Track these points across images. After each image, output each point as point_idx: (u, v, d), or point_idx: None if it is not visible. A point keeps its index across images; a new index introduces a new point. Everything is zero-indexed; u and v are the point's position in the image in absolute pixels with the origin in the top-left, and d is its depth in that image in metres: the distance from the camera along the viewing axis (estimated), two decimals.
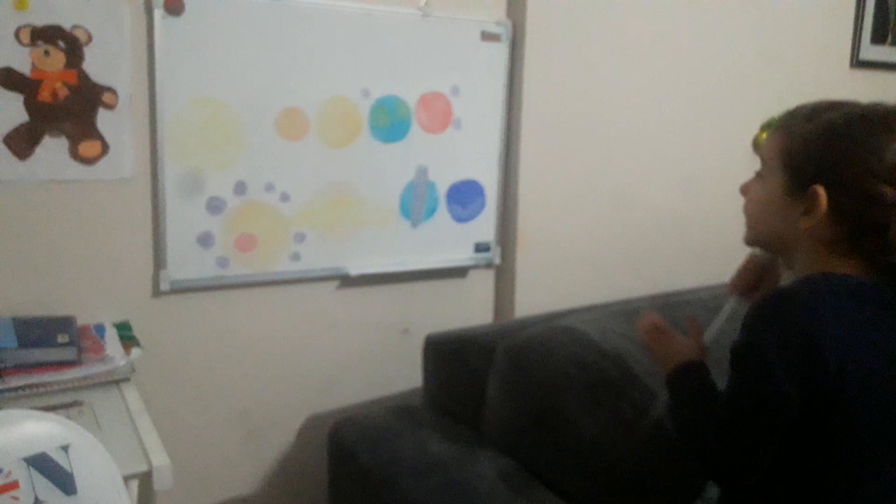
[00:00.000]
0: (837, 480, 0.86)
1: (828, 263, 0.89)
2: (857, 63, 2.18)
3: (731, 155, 2.01)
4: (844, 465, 0.86)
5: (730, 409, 0.86)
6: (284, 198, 1.47)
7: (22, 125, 1.25)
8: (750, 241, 1.01)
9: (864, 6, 2.16)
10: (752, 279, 1.07)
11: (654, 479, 1.23)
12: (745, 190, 1.00)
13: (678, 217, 1.92)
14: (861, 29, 2.17)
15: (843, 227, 0.88)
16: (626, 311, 1.47)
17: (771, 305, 0.87)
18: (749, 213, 0.99)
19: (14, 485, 0.81)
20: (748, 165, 2.15)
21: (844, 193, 0.87)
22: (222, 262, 1.44)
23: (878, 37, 2.20)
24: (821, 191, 0.87)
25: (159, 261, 1.39)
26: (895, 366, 0.86)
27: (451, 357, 1.44)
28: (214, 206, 1.41)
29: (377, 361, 1.66)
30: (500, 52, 1.62)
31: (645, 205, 1.86)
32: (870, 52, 2.19)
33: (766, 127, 2.12)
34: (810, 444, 0.86)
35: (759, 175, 0.98)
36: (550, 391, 1.23)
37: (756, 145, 2.16)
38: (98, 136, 1.31)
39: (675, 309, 1.50)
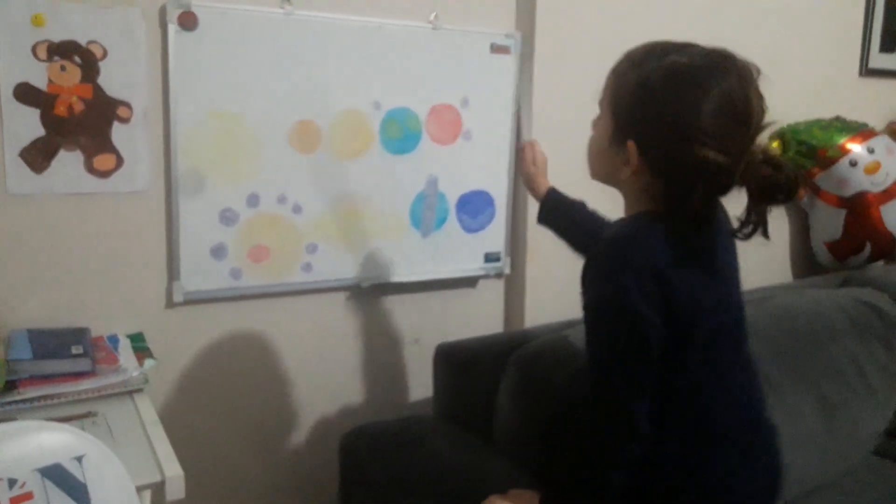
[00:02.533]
0: (707, 377, 0.93)
1: (645, 204, 0.93)
2: (867, 71, 2.18)
3: None
4: (711, 363, 0.93)
5: (611, 359, 0.90)
6: (297, 209, 1.48)
7: (38, 139, 1.27)
8: (592, 177, 1.03)
9: (873, 15, 2.16)
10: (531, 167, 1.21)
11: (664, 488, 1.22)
12: (593, 125, 1.00)
13: None
14: (870, 37, 2.17)
15: (658, 181, 0.90)
16: None
17: (616, 254, 0.91)
18: (588, 150, 1.00)
19: (29, 495, 0.81)
20: None
21: (655, 150, 0.88)
22: (235, 274, 1.45)
23: (888, 45, 2.20)
24: (632, 146, 0.88)
25: (173, 272, 1.40)
26: (718, 286, 0.94)
27: (461, 367, 1.44)
28: (228, 217, 1.42)
29: (388, 371, 1.67)
30: (510, 63, 1.63)
31: None
32: (879, 60, 2.19)
33: (776, 137, 2.13)
34: (678, 358, 0.91)
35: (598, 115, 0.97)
36: (561, 401, 1.23)
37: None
38: (113, 149, 1.33)
39: None
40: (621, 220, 0.99)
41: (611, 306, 0.90)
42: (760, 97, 0.88)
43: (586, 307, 0.93)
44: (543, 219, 1.29)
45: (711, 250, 0.95)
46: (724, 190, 0.89)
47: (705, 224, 0.92)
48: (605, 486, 0.94)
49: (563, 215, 1.28)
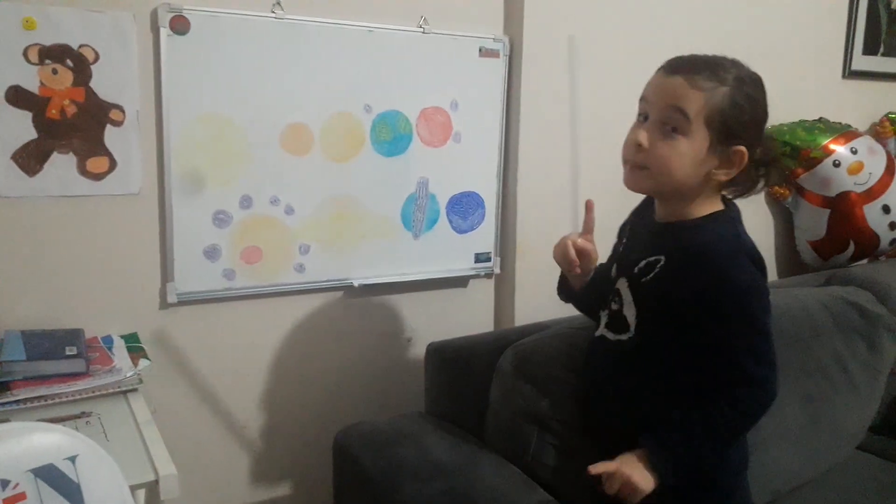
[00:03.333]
0: None
1: (714, 200, 1.07)
2: (850, 73, 2.21)
3: None
4: None
5: (760, 340, 1.02)
6: (289, 211, 1.49)
7: (31, 142, 1.27)
8: (644, 189, 1.11)
9: (856, 17, 2.19)
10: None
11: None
12: (641, 142, 1.04)
13: None
14: (853, 40, 2.20)
15: (749, 174, 1.05)
16: None
17: (740, 253, 1.03)
18: (658, 165, 1.03)
19: (21, 496, 0.81)
20: None
21: (759, 148, 1.04)
22: (229, 275, 1.46)
23: (870, 48, 2.24)
24: (744, 150, 1.01)
25: (166, 273, 1.41)
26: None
27: (453, 365, 1.46)
28: (221, 219, 1.43)
29: (380, 369, 1.68)
30: (498, 67, 1.65)
31: None
32: (862, 62, 2.23)
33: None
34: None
35: (673, 131, 1.01)
36: (553, 399, 1.25)
37: None
38: (106, 152, 1.33)
39: None
40: (700, 222, 1.07)
41: (753, 291, 1.01)
42: None
43: (718, 299, 1.00)
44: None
45: None
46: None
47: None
48: (726, 458, 1.07)
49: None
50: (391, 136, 1.57)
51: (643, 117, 1.05)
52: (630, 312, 1.09)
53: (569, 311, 1.66)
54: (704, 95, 0.99)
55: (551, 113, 1.71)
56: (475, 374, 1.41)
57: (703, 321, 1.00)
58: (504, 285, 1.78)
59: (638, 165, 1.05)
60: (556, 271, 1.81)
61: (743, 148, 1.01)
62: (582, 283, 1.24)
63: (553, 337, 1.37)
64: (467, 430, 1.39)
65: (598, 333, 1.17)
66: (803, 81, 2.11)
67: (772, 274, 2.19)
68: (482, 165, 1.69)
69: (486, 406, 1.37)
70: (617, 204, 1.87)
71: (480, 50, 1.63)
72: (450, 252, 1.69)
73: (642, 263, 1.08)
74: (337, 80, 1.49)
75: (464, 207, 1.69)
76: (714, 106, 0.99)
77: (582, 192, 1.79)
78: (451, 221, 1.68)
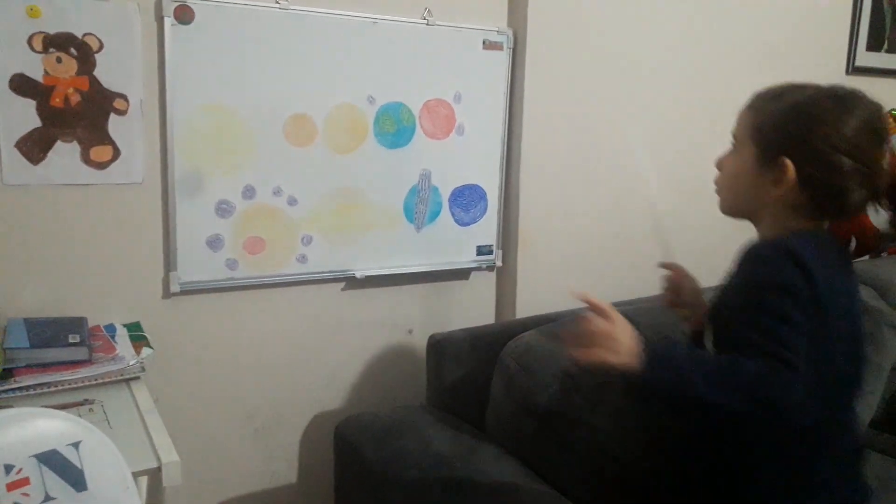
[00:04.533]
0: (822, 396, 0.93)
1: (792, 225, 1.00)
2: (854, 69, 2.21)
3: None
4: (824, 382, 0.94)
5: (780, 327, 0.90)
6: (292, 202, 1.50)
7: (35, 130, 1.27)
8: (724, 211, 1.10)
9: (860, 14, 2.18)
10: (674, 296, 1.18)
11: (657, 478, 1.25)
12: (719, 164, 1.08)
13: (676, 220, 1.94)
14: (857, 36, 2.20)
15: (806, 193, 0.98)
16: (626, 312, 1.49)
17: (780, 251, 0.95)
18: (722, 184, 1.07)
19: (25, 481, 0.82)
20: None
21: (809, 163, 0.97)
22: (231, 264, 1.46)
23: (874, 44, 2.23)
24: (788, 162, 0.97)
25: (169, 263, 1.41)
26: (854, 303, 1.06)
27: (454, 357, 1.46)
28: (223, 209, 1.44)
29: (382, 361, 1.68)
30: (502, 59, 1.65)
31: (643, 208, 1.88)
32: (865, 58, 2.22)
33: None
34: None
35: (731, 151, 1.06)
36: (555, 392, 1.25)
37: None
38: (109, 141, 1.33)
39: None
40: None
41: (775, 286, 0.93)
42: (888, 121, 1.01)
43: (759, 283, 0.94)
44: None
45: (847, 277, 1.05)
46: (870, 197, 1.00)
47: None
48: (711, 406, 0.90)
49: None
50: (394, 127, 1.57)
51: None
52: (709, 340, 1.05)
53: (571, 304, 1.66)
54: (753, 112, 1.03)
55: (555, 106, 1.71)
56: (476, 366, 1.42)
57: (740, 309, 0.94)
58: (506, 278, 1.78)
59: (716, 186, 1.09)
60: (558, 264, 1.82)
61: (786, 160, 0.97)
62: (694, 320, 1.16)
63: (556, 329, 1.37)
64: (468, 422, 1.39)
65: None
66: (807, 77, 2.09)
67: None
68: (485, 158, 1.69)
69: (488, 398, 1.37)
70: (619, 199, 1.88)
71: (484, 42, 1.63)
72: (452, 244, 1.69)
73: (720, 290, 1.06)
74: (340, 71, 1.49)
75: (466, 200, 1.69)
76: (759, 119, 1.01)
77: (585, 186, 1.79)
78: (453, 214, 1.68)
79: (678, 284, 1.20)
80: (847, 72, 2.20)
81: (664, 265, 1.21)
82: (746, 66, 1.98)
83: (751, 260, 0.99)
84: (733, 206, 1.07)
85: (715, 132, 1.97)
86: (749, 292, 0.95)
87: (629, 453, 1.24)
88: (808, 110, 0.98)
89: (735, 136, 1.06)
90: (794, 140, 0.98)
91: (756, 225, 1.07)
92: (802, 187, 0.98)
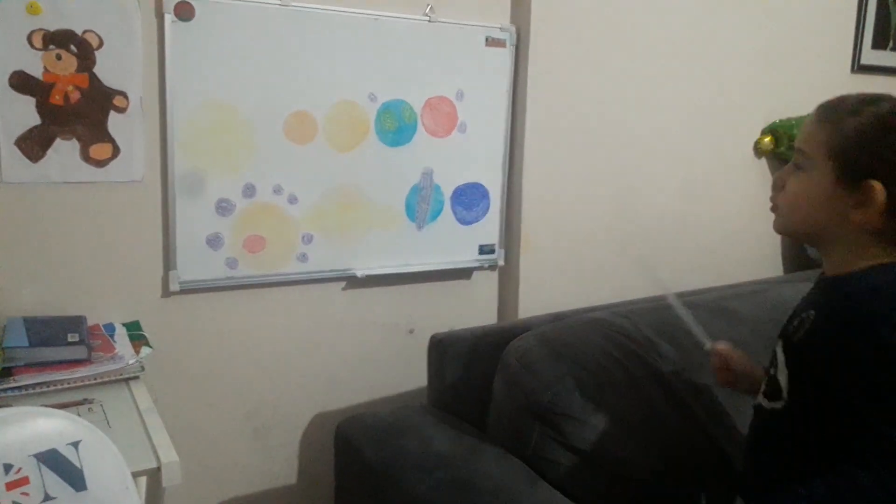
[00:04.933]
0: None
1: (872, 252, 0.92)
2: (859, 68, 2.19)
3: (731, 158, 2.03)
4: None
5: None
6: (292, 200, 1.49)
7: (34, 128, 1.27)
8: (782, 231, 1.02)
9: (865, 11, 2.17)
10: (726, 373, 1.14)
11: (659, 478, 1.24)
12: (779, 184, 0.99)
13: (680, 218, 1.93)
14: (862, 34, 2.18)
15: (894, 219, 0.89)
16: (629, 312, 1.48)
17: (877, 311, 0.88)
18: (786, 204, 0.98)
19: (24, 481, 0.81)
20: (748, 168, 2.17)
21: None
22: (231, 263, 1.45)
23: (880, 42, 2.22)
24: (878, 185, 0.88)
25: (169, 261, 1.40)
26: None
27: (456, 357, 1.45)
28: (223, 207, 1.43)
29: (383, 361, 1.68)
30: (505, 57, 1.64)
31: (647, 206, 1.87)
32: (871, 56, 2.21)
33: (768, 132, 2.15)
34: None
35: (796, 168, 0.97)
36: (558, 392, 1.24)
37: (758, 150, 2.19)
38: (109, 138, 1.33)
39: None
40: (859, 273, 0.93)
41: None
42: None
43: (864, 360, 0.86)
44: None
45: None
46: None
47: None
48: None
49: None
50: (396, 125, 1.56)
51: None
52: (783, 377, 0.97)
53: (574, 304, 1.66)
54: (829, 127, 0.93)
55: (558, 104, 1.70)
56: (478, 366, 1.41)
57: (849, 385, 0.87)
58: (508, 278, 1.77)
59: (773, 206, 1.01)
60: (561, 264, 1.81)
61: (875, 183, 0.89)
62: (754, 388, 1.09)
63: (558, 331, 1.37)
64: (470, 422, 1.38)
65: (755, 401, 1.04)
66: (812, 76, 2.09)
67: (778, 269, 2.18)
68: (487, 156, 1.68)
69: (489, 399, 1.36)
70: (623, 198, 1.87)
71: (487, 39, 1.62)
72: (454, 243, 1.68)
73: (796, 321, 0.98)
74: (341, 68, 1.48)
75: (468, 198, 1.68)
76: (838, 137, 0.91)
77: (589, 185, 1.78)
78: (455, 212, 1.67)
79: (726, 361, 1.14)
80: (852, 70, 2.19)
81: (710, 351, 1.17)
82: (751, 64, 1.97)
83: (858, 318, 0.87)
84: (797, 229, 0.99)
85: (719, 130, 1.97)
86: (869, 364, 0.85)
87: (632, 454, 1.23)
88: None
89: (803, 152, 0.95)
90: (882, 160, 0.89)
91: (822, 249, 0.98)
92: (890, 213, 0.89)
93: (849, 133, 0.91)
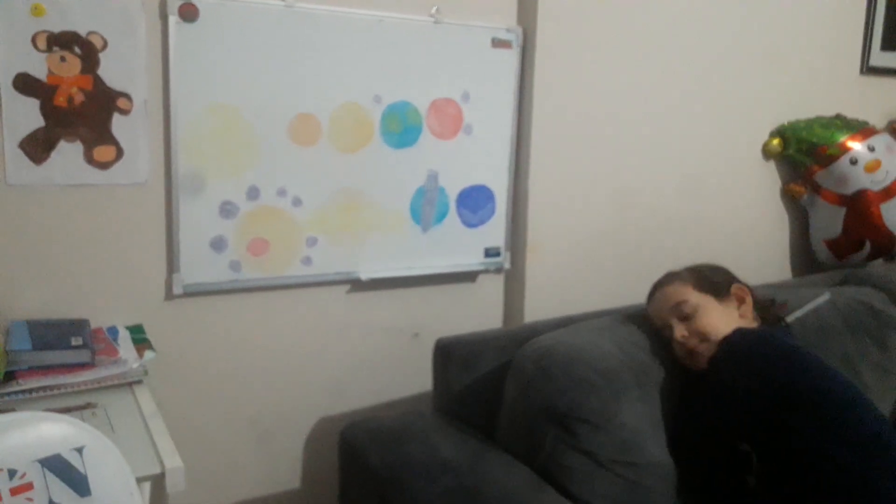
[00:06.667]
0: None
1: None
2: (868, 69, 2.18)
3: (739, 160, 2.01)
4: None
5: None
6: (297, 203, 1.48)
7: (38, 130, 1.26)
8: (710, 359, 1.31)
9: (874, 13, 2.16)
10: None
11: (676, 486, 1.23)
12: (688, 333, 1.33)
13: (688, 221, 1.92)
14: (871, 35, 2.17)
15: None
16: (639, 316, 1.47)
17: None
18: (710, 333, 1.32)
19: (29, 486, 0.81)
20: (754, 169, 2.15)
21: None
22: (235, 266, 1.44)
23: (889, 43, 2.20)
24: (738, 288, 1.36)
25: (172, 264, 1.40)
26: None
27: (461, 361, 1.44)
28: (227, 210, 1.42)
29: (387, 365, 1.67)
30: (511, 58, 1.63)
31: (654, 210, 1.86)
32: (880, 58, 2.19)
33: (777, 134, 2.13)
34: None
35: (682, 318, 1.34)
36: (573, 398, 1.23)
37: (766, 152, 2.17)
38: (113, 140, 1.32)
39: None
40: None
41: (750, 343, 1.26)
42: None
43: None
44: None
45: None
46: None
47: None
48: None
49: None
50: (401, 127, 1.55)
51: (668, 330, 1.34)
52: None
53: (581, 308, 1.64)
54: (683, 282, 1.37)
55: (565, 105, 1.69)
56: (485, 370, 1.40)
57: None
58: (514, 281, 1.76)
59: (698, 348, 1.29)
60: (568, 267, 1.80)
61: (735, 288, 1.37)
62: None
63: (572, 334, 1.35)
64: (476, 427, 1.37)
65: None
66: (820, 77, 2.08)
67: (786, 272, 2.17)
68: (493, 158, 1.67)
69: (496, 403, 1.35)
70: (630, 201, 1.85)
71: (493, 41, 1.60)
72: (459, 246, 1.67)
73: None
74: (346, 69, 1.47)
75: (474, 201, 1.67)
76: (693, 280, 1.36)
77: (596, 187, 1.77)
78: (460, 215, 1.66)
79: None
80: (861, 72, 2.17)
81: None
82: (760, 66, 1.95)
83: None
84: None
85: (727, 133, 1.95)
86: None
87: (649, 460, 1.21)
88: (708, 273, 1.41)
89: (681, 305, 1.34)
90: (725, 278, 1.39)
91: None
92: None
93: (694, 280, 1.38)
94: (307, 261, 1.51)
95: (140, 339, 1.31)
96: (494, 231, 1.71)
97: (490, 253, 1.72)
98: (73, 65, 1.27)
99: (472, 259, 1.70)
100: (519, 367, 1.32)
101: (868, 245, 2.01)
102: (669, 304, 1.33)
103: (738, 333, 1.26)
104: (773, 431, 1.12)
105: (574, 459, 1.21)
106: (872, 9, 2.15)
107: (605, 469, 1.20)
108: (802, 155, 2.01)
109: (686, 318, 1.31)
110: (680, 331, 1.30)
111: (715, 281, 1.36)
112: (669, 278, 1.38)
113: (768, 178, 2.06)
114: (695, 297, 1.32)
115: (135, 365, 1.20)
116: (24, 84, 1.24)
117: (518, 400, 1.30)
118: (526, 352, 1.32)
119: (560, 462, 1.21)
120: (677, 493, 1.23)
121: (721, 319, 1.30)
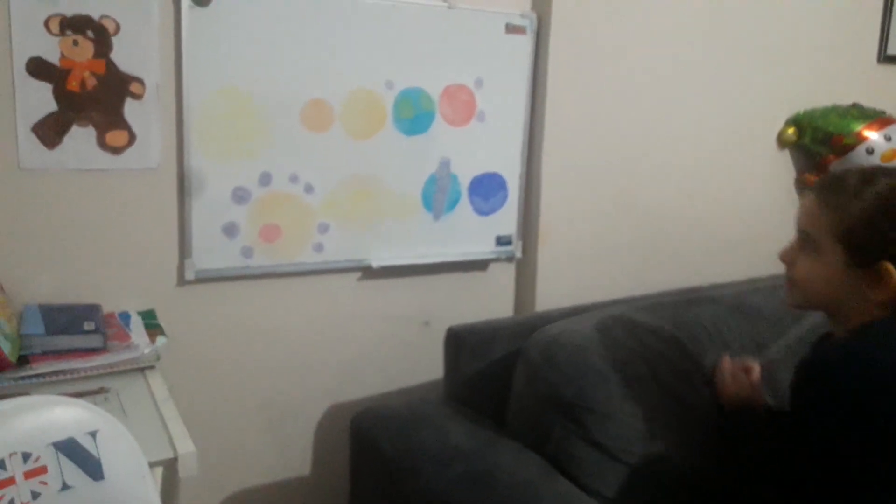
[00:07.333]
0: None
1: (875, 314, 0.97)
2: (885, 58, 2.14)
3: (754, 149, 1.99)
4: None
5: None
6: (309, 189, 1.47)
7: (51, 114, 1.26)
8: (798, 306, 1.07)
9: (892, 1, 2.12)
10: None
11: (682, 476, 1.22)
12: (787, 260, 1.05)
13: (701, 210, 1.90)
14: (889, 24, 2.13)
15: None
16: (650, 305, 1.46)
17: (852, 360, 0.95)
18: (800, 283, 1.03)
19: (43, 469, 0.81)
20: (770, 159, 2.12)
21: None
22: (247, 252, 1.44)
23: None
24: (890, 267, 0.94)
25: (184, 250, 1.39)
26: None
27: (472, 349, 1.44)
28: (239, 196, 1.42)
29: (398, 353, 1.66)
30: (525, 44, 1.61)
31: (668, 199, 1.85)
32: None
33: (792, 123, 2.10)
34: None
35: (803, 248, 1.02)
36: (580, 387, 1.22)
37: (781, 141, 2.15)
38: (125, 125, 1.32)
39: (696, 305, 1.49)
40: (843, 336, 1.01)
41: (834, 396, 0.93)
42: None
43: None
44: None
45: None
46: None
47: None
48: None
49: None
50: (413, 113, 1.54)
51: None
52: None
53: (592, 297, 1.64)
54: (833, 213, 0.98)
55: (579, 92, 1.67)
56: (495, 359, 1.40)
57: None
58: (525, 270, 1.75)
59: (789, 283, 1.06)
60: (580, 257, 1.79)
61: (887, 264, 0.94)
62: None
63: (581, 323, 1.35)
64: (486, 415, 1.37)
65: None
66: (837, 66, 2.05)
67: None
68: (506, 146, 1.66)
69: (507, 392, 1.35)
70: (644, 190, 1.84)
71: (507, 26, 1.59)
72: (470, 234, 1.66)
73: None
74: (359, 54, 1.46)
75: (486, 189, 1.66)
76: (844, 223, 0.97)
77: (608, 176, 1.75)
78: (472, 203, 1.65)
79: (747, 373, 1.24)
80: (878, 60, 2.14)
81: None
82: (775, 54, 1.93)
83: (812, 369, 0.98)
84: (815, 305, 1.04)
85: (742, 121, 1.93)
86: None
87: (657, 450, 1.21)
88: None
89: (809, 235, 1.00)
90: (891, 242, 0.94)
91: (837, 318, 1.03)
92: None
93: (854, 219, 0.95)
94: (319, 247, 1.51)
95: (152, 325, 1.31)
96: (506, 219, 1.70)
97: (502, 241, 1.71)
98: (85, 49, 1.26)
99: (483, 247, 1.69)
100: (527, 355, 1.31)
101: None
102: (800, 222, 1.04)
103: (823, 354, 1.01)
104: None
105: (581, 448, 1.21)
106: None
107: (613, 459, 1.20)
108: (818, 144, 1.98)
109: (801, 248, 1.03)
110: (786, 253, 1.05)
111: (863, 243, 0.96)
112: (828, 192, 1.00)
113: (782, 168, 2.04)
114: (825, 241, 0.98)
115: (147, 350, 1.21)
116: (37, 68, 1.23)
117: (526, 389, 1.30)
118: (534, 341, 1.32)
119: (568, 451, 1.21)
120: (688, 485, 1.22)
121: (830, 285, 0.99)
